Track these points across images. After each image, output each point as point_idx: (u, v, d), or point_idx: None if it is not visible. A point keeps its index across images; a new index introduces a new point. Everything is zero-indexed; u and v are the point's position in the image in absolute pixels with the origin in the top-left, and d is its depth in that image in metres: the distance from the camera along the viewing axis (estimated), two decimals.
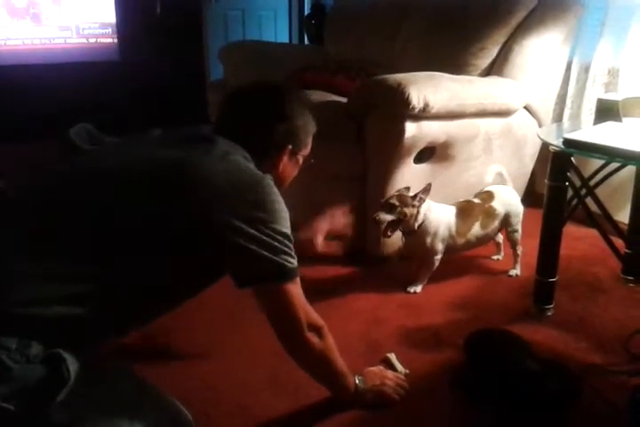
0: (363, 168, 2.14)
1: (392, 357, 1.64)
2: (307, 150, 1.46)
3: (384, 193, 2.10)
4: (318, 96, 2.44)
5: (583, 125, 1.98)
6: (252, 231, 1.16)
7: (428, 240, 2.02)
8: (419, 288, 2.06)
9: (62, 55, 4.19)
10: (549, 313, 1.89)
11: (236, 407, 1.46)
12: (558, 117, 2.69)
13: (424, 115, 2.02)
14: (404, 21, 2.85)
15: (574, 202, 1.86)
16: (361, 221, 2.15)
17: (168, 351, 1.68)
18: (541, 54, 2.42)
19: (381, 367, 1.55)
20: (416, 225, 1.99)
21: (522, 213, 2.18)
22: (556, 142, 1.73)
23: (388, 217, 1.93)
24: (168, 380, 1.42)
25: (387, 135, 2.05)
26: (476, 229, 2.08)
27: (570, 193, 1.81)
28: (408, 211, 1.95)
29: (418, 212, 1.97)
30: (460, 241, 2.07)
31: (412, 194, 1.97)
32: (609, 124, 1.83)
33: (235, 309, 1.80)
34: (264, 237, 1.17)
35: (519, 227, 2.16)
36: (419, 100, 1.96)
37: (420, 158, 2.18)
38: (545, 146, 1.95)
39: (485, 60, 2.49)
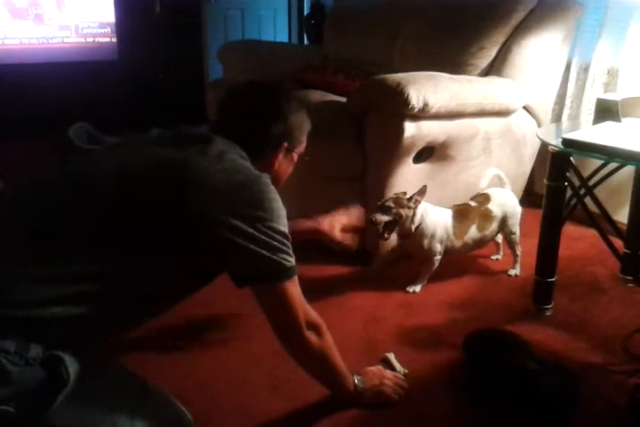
0: (362, 168, 2.14)
1: (391, 356, 1.64)
2: (302, 148, 1.47)
3: (383, 193, 2.10)
4: (318, 96, 2.44)
5: (582, 125, 1.99)
6: (250, 230, 1.16)
7: (426, 242, 2.02)
8: (418, 288, 2.06)
9: (61, 54, 4.18)
10: (548, 313, 1.89)
11: (236, 407, 1.46)
12: (557, 117, 2.69)
13: (423, 114, 2.02)
14: (403, 21, 2.85)
15: (573, 202, 1.86)
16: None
17: (168, 351, 1.68)
18: (541, 54, 2.42)
19: (380, 367, 1.55)
20: (413, 227, 1.99)
21: (519, 214, 2.18)
22: (556, 142, 1.73)
23: (385, 218, 1.94)
24: (168, 380, 1.42)
25: (386, 135, 2.05)
26: (472, 232, 2.08)
27: (569, 193, 1.81)
28: (404, 212, 1.95)
29: (414, 214, 1.97)
30: (458, 244, 2.08)
31: (407, 196, 1.98)
32: (608, 124, 1.83)
33: (235, 308, 1.80)
34: (262, 236, 1.17)
35: (517, 229, 2.16)
36: (418, 99, 1.96)
37: (420, 158, 2.18)
38: (544, 146, 1.95)
39: (485, 60, 2.49)
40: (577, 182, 1.84)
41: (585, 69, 2.55)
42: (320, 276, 2.13)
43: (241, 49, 3.37)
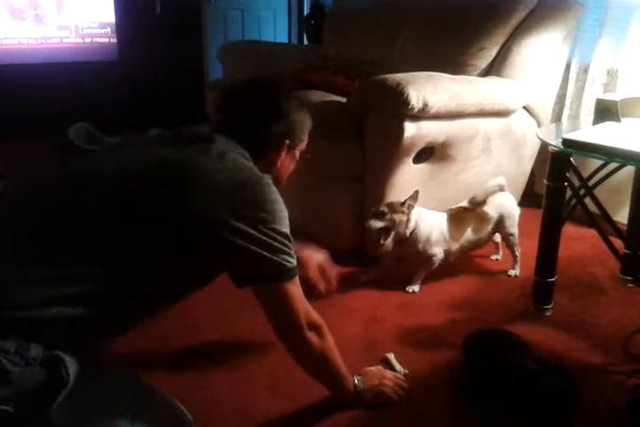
0: (362, 168, 2.14)
1: (391, 357, 1.64)
2: (303, 145, 1.47)
3: (383, 193, 2.10)
4: (318, 96, 2.44)
5: (582, 126, 1.98)
6: (252, 231, 1.16)
7: (421, 246, 2.03)
8: (416, 288, 2.06)
9: (61, 55, 4.18)
10: (548, 313, 1.89)
11: (236, 407, 1.46)
12: (557, 118, 2.69)
13: (423, 115, 2.02)
14: (403, 21, 2.85)
15: (573, 202, 1.86)
16: (360, 221, 2.16)
17: (168, 351, 1.68)
18: (541, 54, 2.42)
19: (380, 367, 1.55)
20: (407, 232, 2.00)
21: (517, 215, 2.18)
22: (555, 142, 1.73)
23: (379, 224, 1.96)
24: (168, 380, 1.43)
25: (386, 135, 2.05)
26: (468, 235, 2.09)
27: (569, 193, 1.81)
28: (397, 217, 1.97)
29: (408, 219, 1.99)
30: (454, 247, 2.08)
31: (400, 201, 1.98)
32: (608, 125, 1.83)
33: (235, 308, 1.80)
34: (263, 237, 1.17)
35: (515, 229, 2.16)
36: (418, 100, 1.96)
37: (419, 158, 2.18)
38: (544, 146, 1.95)
39: (484, 61, 2.49)
40: (577, 183, 1.84)
41: (585, 70, 2.55)
42: None
43: (241, 49, 3.37)
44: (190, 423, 1.20)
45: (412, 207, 1.99)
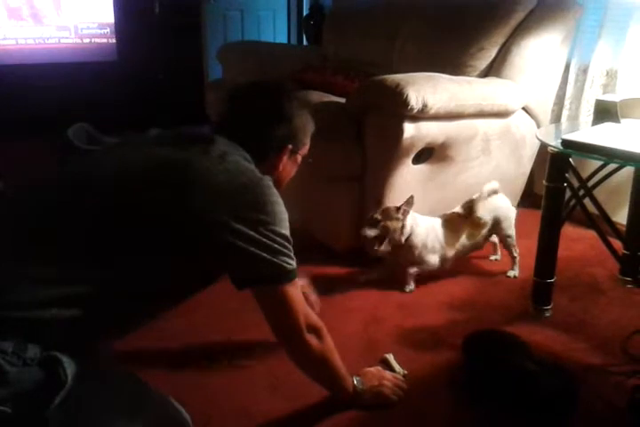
0: (361, 168, 2.14)
1: (390, 357, 1.64)
2: (305, 149, 1.47)
3: (383, 193, 2.10)
4: (317, 96, 2.44)
5: (581, 126, 1.99)
6: (252, 233, 1.16)
7: (417, 253, 2.04)
8: (412, 286, 2.07)
9: (60, 55, 4.18)
10: (548, 314, 1.89)
11: (236, 407, 1.46)
12: (557, 118, 2.69)
13: (423, 115, 2.02)
14: (403, 22, 2.85)
15: (572, 203, 1.86)
16: (359, 222, 2.16)
17: (168, 351, 1.68)
18: (540, 55, 2.42)
19: (379, 368, 1.55)
20: (403, 239, 2.01)
21: (513, 217, 2.18)
22: (555, 143, 1.74)
23: (373, 232, 1.97)
24: (168, 380, 1.43)
25: (385, 136, 2.06)
26: (463, 240, 2.09)
27: (568, 194, 1.82)
28: (391, 225, 1.98)
29: (403, 225, 1.99)
30: (450, 253, 2.08)
31: (395, 208, 1.99)
32: (607, 126, 1.83)
33: (235, 309, 1.80)
34: (263, 239, 1.17)
35: (512, 231, 2.16)
36: (417, 100, 1.96)
37: (419, 159, 2.18)
38: (543, 147, 1.95)
39: (484, 61, 2.49)
40: (576, 183, 1.84)
41: (584, 70, 2.56)
42: (320, 276, 2.12)
43: (240, 50, 3.38)
44: (188, 423, 1.20)
45: (408, 213, 1.99)
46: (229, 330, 1.78)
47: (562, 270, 1.95)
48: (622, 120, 1.86)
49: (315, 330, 1.30)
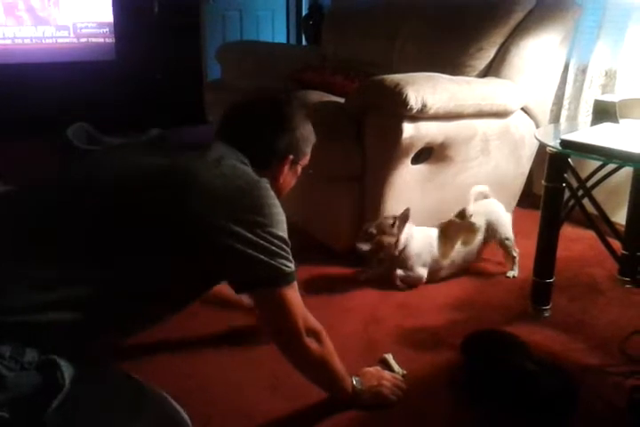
0: (361, 168, 2.14)
1: (389, 357, 1.64)
2: (306, 160, 1.47)
3: (382, 193, 2.10)
4: (317, 96, 2.44)
5: (580, 127, 1.99)
6: (249, 235, 1.16)
7: (409, 263, 2.06)
8: (400, 284, 2.07)
9: (59, 54, 4.18)
10: (547, 314, 1.89)
11: (236, 408, 1.46)
12: (555, 119, 2.69)
13: (422, 115, 2.03)
14: (402, 22, 2.85)
15: (571, 203, 1.86)
16: (359, 222, 2.16)
17: (167, 352, 1.68)
18: (539, 55, 2.43)
19: (379, 368, 1.55)
20: (397, 252, 2.03)
21: (508, 221, 2.17)
22: (553, 143, 1.74)
23: (366, 247, 2.00)
24: (167, 380, 1.42)
25: (385, 136, 2.06)
26: (458, 247, 2.10)
27: (567, 194, 1.82)
28: (386, 239, 2.00)
29: (397, 239, 2.00)
30: (444, 262, 2.09)
31: (391, 221, 2.01)
32: (606, 126, 1.83)
33: (235, 309, 1.80)
34: (261, 241, 1.17)
35: (509, 233, 2.16)
36: (416, 100, 1.96)
37: (418, 159, 2.18)
38: (542, 147, 1.95)
39: (483, 61, 2.49)
40: (575, 184, 1.84)
41: (583, 71, 2.56)
42: (320, 276, 2.13)
43: (239, 49, 3.38)
44: (187, 424, 1.20)
45: (402, 227, 2.01)
46: (229, 329, 1.77)
47: (561, 271, 1.96)
48: (621, 120, 1.86)
49: (314, 334, 1.30)
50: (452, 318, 1.89)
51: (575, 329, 1.82)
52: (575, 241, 2.39)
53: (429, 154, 2.20)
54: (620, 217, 2.24)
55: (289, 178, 1.44)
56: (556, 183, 1.78)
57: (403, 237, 2.01)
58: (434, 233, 2.10)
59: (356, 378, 1.44)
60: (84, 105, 3.57)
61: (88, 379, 1.07)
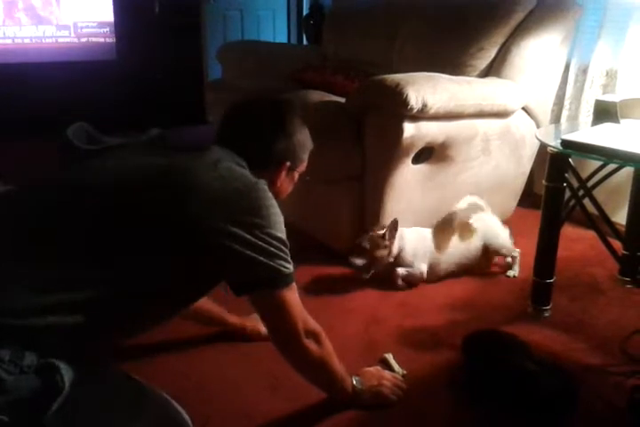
0: (361, 168, 2.14)
1: (389, 357, 1.64)
2: (303, 167, 1.47)
3: (382, 193, 2.10)
4: (317, 96, 2.44)
5: (581, 127, 1.99)
6: (248, 237, 1.16)
7: (409, 261, 2.07)
8: (401, 283, 2.08)
9: (59, 54, 4.18)
10: (547, 314, 1.89)
11: (236, 408, 1.46)
12: (556, 119, 2.69)
13: (422, 115, 2.02)
14: (402, 22, 2.85)
15: (572, 203, 1.86)
16: (359, 221, 2.16)
17: (166, 352, 1.68)
18: (540, 55, 2.42)
19: (379, 368, 1.55)
20: (391, 259, 2.05)
21: (505, 235, 2.16)
22: (554, 143, 1.74)
23: (360, 262, 2.01)
24: (166, 381, 1.42)
25: (385, 135, 2.06)
26: (455, 243, 2.10)
27: (567, 194, 1.82)
28: (379, 253, 2.02)
29: (390, 250, 2.03)
30: (442, 258, 2.09)
31: (381, 232, 2.02)
32: (607, 126, 1.83)
33: (235, 310, 1.80)
34: (259, 243, 1.17)
35: (507, 243, 2.15)
36: (417, 100, 1.96)
37: (419, 159, 2.18)
38: (543, 147, 1.95)
39: (484, 61, 2.49)
40: (576, 183, 1.84)
41: (584, 71, 2.56)
42: (320, 276, 2.13)
43: (240, 49, 3.37)
44: (188, 425, 1.20)
45: (394, 237, 2.02)
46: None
47: (561, 270, 1.96)
48: (622, 120, 1.86)
49: (314, 335, 1.30)
50: (452, 318, 1.89)
51: (576, 329, 1.82)
52: (576, 241, 2.39)
53: (430, 154, 2.20)
54: (620, 217, 2.24)
55: (286, 184, 1.44)
56: (557, 183, 1.78)
57: (395, 246, 2.04)
58: (427, 230, 2.12)
59: (357, 378, 1.44)
60: (84, 105, 3.57)
61: (88, 380, 1.07)
